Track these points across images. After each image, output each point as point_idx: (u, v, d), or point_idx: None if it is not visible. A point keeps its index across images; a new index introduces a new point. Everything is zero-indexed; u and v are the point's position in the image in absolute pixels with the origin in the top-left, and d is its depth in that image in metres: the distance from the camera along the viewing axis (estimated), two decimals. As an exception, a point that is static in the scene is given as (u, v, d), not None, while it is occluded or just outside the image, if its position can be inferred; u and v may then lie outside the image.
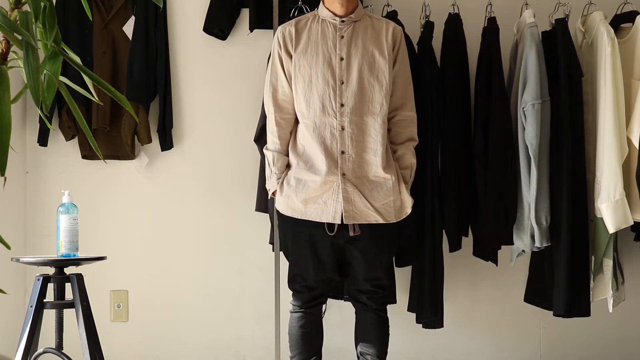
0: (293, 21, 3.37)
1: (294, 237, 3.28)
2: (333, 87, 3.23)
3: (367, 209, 3.18)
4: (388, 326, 3.38)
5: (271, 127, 3.30)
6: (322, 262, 3.25)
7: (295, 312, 3.34)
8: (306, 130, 3.24)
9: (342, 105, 3.22)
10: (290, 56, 3.29)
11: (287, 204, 3.24)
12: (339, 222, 3.17)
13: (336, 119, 3.21)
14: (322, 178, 3.19)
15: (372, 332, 3.32)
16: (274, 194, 3.30)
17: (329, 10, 3.31)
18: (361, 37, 3.28)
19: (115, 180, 4.12)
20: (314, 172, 3.21)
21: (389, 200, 3.22)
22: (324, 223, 3.19)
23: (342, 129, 3.21)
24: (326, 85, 3.23)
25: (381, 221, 3.20)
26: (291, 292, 3.35)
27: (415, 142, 3.35)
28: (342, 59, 3.25)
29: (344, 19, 3.29)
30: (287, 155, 3.28)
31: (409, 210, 3.28)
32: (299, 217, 3.22)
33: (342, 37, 3.28)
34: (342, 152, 3.20)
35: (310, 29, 3.31)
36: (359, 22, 3.32)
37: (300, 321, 3.32)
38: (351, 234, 3.19)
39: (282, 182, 3.26)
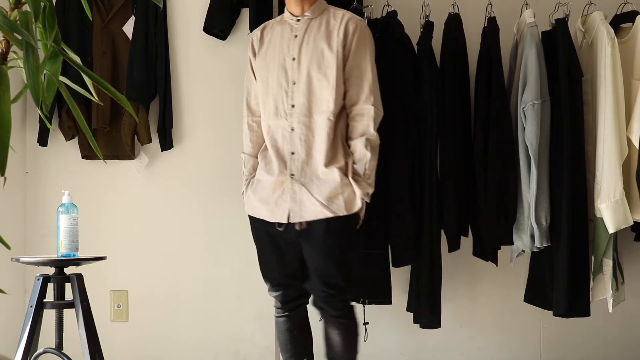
0: (262, 25, 3.41)
1: (257, 236, 3.33)
2: (285, 88, 3.24)
3: (315, 205, 3.16)
4: (354, 332, 3.27)
5: (245, 130, 3.42)
6: (285, 258, 3.26)
7: (280, 316, 3.35)
8: (265, 133, 3.31)
9: (292, 106, 3.22)
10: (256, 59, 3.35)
11: (248, 204, 3.34)
12: (286, 222, 3.19)
13: (287, 120, 3.23)
14: (274, 179, 3.23)
15: (334, 340, 3.27)
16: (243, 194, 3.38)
17: (288, 11, 3.32)
18: (314, 34, 3.24)
19: (115, 180, 4.12)
20: (270, 173, 3.26)
21: (337, 194, 3.15)
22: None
23: (292, 130, 3.22)
24: (279, 87, 3.25)
25: (330, 215, 3.15)
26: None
27: (370, 137, 3.19)
28: (293, 59, 3.24)
29: (299, 17, 3.28)
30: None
31: (359, 203, 3.14)
32: (257, 217, 3.28)
33: (296, 36, 3.27)
34: (292, 153, 3.21)
35: (273, 31, 3.34)
36: (315, 19, 3.27)
37: (285, 324, 3.33)
38: (297, 227, 3.19)
39: (249, 183, 3.37)
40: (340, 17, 3.26)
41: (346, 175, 3.16)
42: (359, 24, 3.26)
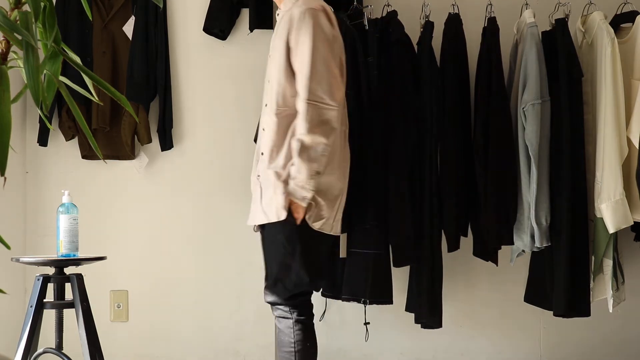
0: None
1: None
2: (264, 87, 3.22)
3: (256, 209, 3.14)
4: (281, 332, 3.17)
5: None
6: None
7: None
8: None
9: (265, 105, 3.18)
10: None
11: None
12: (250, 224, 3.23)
13: (259, 119, 3.21)
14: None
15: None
16: None
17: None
18: (279, 29, 3.12)
19: (115, 180, 4.12)
20: None
21: (271, 199, 3.06)
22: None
23: (263, 129, 3.16)
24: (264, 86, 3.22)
25: (265, 221, 3.10)
26: None
27: (300, 137, 2.97)
28: (269, 56, 3.20)
29: (278, 12, 3.20)
30: None
31: (281, 214, 3.00)
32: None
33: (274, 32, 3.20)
34: (262, 154, 3.14)
35: None
36: (285, 13, 3.11)
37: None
38: (254, 230, 3.23)
39: None
40: (291, 8, 3.08)
41: (279, 179, 3.04)
42: (302, 11, 3.02)
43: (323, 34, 3.02)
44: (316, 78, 2.98)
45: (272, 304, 3.20)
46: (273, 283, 3.17)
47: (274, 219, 3.05)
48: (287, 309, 3.15)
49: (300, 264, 3.10)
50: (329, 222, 3.10)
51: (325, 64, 2.99)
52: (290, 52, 3.04)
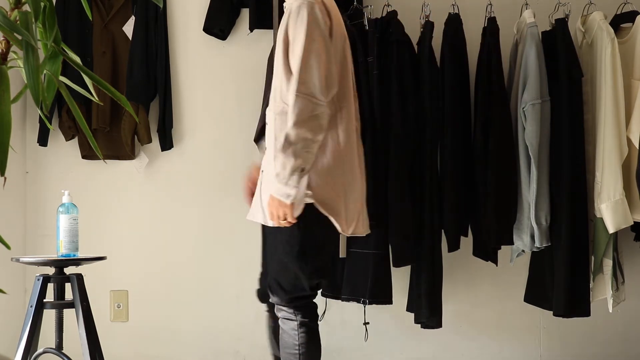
0: None
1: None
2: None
3: (256, 205, 3.07)
4: (285, 334, 3.09)
5: None
6: None
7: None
8: None
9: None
10: None
11: None
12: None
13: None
14: None
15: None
16: None
17: None
18: (282, 23, 3.01)
19: (115, 180, 4.12)
20: None
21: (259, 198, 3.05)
22: None
23: (267, 124, 3.08)
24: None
25: (262, 222, 3.06)
26: None
27: (286, 131, 2.84)
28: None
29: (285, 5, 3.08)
30: None
31: (268, 220, 2.95)
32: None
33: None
34: (266, 149, 3.08)
35: None
36: (287, 5, 3.00)
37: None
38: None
39: None
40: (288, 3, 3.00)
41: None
42: (294, 4, 2.94)
43: (318, 28, 2.90)
44: (307, 71, 2.86)
45: (275, 304, 3.12)
46: (276, 284, 3.07)
47: (269, 223, 2.98)
48: (290, 310, 3.06)
49: (299, 266, 3.02)
50: (339, 220, 3.00)
51: (317, 58, 2.88)
52: (288, 46, 2.95)
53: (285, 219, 2.89)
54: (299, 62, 2.86)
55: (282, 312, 3.10)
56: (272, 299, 3.12)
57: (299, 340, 3.05)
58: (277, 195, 2.87)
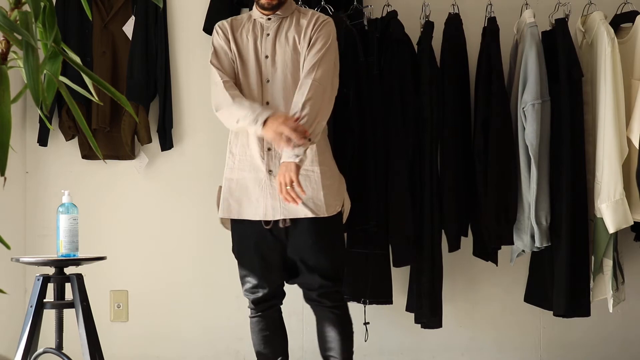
0: (229, 19, 3.39)
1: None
2: (259, 85, 3.23)
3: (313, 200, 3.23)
4: (350, 326, 3.29)
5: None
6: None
7: (253, 316, 3.34)
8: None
9: (267, 103, 3.21)
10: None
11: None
12: (272, 219, 3.24)
13: None
14: (253, 175, 3.25)
15: (329, 333, 3.27)
16: None
17: (258, 9, 3.30)
18: (285, 33, 3.25)
19: (115, 180, 4.12)
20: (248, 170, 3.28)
21: (337, 190, 3.31)
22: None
23: None
24: (255, 84, 3.24)
25: (325, 214, 3.21)
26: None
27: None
28: (267, 56, 3.24)
29: (270, 16, 3.27)
30: None
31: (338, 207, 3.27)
32: (243, 218, 3.32)
33: (268, 34, 3.26)
34: (269, 150, 3.19)
35: (243, 27, 3.31)
36: (287, 18, 3.28)
37: (258, 325, 3.32)
38: (281, 225, 3.22)
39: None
40: (310, 16, 3.27)
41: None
42: (324, 21, 3.25)
43: (336, 45, 3.29)
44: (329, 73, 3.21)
45: (336, 294, 3.27)
46: (342, 274, 3.29)
47: (322, 213, 3.16)
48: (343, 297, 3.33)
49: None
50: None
51: (331, 65, 3.23)
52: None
53: (291, 184, 3.03)
54: (326, 70, 3.20)
55: (343, 300, 3.31)
56: (334, 288, 3.24)
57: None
58: (288, 159, 3.05)
